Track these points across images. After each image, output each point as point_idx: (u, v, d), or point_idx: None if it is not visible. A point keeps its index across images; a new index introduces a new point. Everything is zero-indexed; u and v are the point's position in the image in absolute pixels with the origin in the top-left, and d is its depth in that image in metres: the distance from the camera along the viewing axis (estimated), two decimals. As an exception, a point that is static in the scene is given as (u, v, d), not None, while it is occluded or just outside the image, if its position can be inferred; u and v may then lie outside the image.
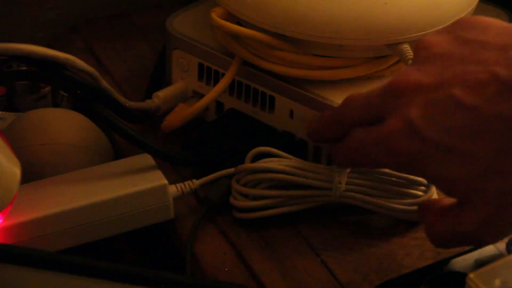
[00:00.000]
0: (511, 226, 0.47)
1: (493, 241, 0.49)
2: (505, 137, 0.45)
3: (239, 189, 0.62)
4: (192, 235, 0.61)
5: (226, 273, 0.59)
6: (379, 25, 0.62)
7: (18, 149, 0.59)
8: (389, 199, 0.61)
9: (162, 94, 0.70)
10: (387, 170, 0.61)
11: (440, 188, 0.50)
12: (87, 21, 0.85)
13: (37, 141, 0.63)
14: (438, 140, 0.47)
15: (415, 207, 0.59)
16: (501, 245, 0.56)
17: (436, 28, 0.62)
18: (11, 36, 0.84)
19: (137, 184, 0.60)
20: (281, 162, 0.61)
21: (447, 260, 0.56)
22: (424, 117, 0.47)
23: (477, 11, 0.68)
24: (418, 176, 0.59)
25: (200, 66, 0.70)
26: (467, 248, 0.56)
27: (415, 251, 0.60)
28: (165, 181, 0.60)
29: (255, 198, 0.61)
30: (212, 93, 0.67)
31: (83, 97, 0.62)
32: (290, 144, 0.66)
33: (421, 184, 0.61)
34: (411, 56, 0.60)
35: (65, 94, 0.73)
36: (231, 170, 0.62)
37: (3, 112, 0.72)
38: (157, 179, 0.61)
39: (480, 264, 0.55)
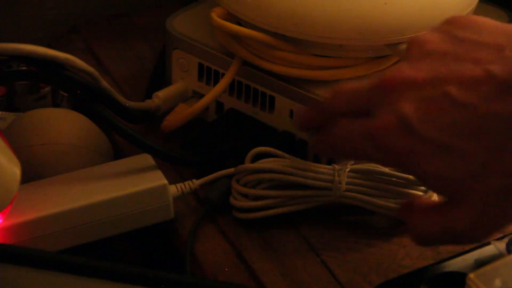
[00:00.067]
0: (502, 224, 0.47)
1: (482, 239, 0.48)
2: (500, 136, 0.45)
3: (239, 189, 0.62)
4: (192, 235, 0.61)
5: (226, 273, 0.59)
6: (379, 25, 0.62)
7: (18, 149, 0.59)
8: (389, 199, 0.61)
9: (162, 94, 0.70)
10: (387, 170, 0.61)
11: (430, 186, 0.50)
12: (87, 21, 0.85)
13: (37, 141, 0.63)
14: (432, 137, 0.46)
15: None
16: (501, 245, 0.56)
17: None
18: (11, 36, 0.84)
19: (137, 184, 0.60)
20: (281, 162, 0.61)
21: (447, 260, 0.56)
22: (418, 114, 0.46)
23: (477, 11, 0.68)
24: (406, 173, 0.57)
25: (200, 66, 0.70)
26: (467, 248, 0.56)
27: (415, 251, 0.60)
28: (165, 181, 0.60)
29: (255, 198, 0.61)
30: (212, 93, 0.68)
31: (83, 97, 0.62)
32: (290, 144, 0.66)
33: (421, 184, 0.61)
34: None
35: (65, 94, 0.73)
36: (231, 170, 0.63)
37: (3, 112, 0.72)
38: (157, 179, 0.61)
39: (480, 264, 0.55)
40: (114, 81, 0.76)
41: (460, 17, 0.50)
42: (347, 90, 0.51)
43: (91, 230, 0.59)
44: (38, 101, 0.74)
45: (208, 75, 0.70)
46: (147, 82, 0.75)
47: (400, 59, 0.63)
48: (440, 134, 0.46)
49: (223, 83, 0.67)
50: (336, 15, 0.62)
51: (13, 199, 0.55)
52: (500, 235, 0.57)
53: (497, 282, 0.45)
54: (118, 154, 0.68)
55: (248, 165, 0.62)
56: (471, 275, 0.45)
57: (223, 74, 0.68)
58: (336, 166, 0.61)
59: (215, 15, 0.66)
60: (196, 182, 0.63)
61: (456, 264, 0.55)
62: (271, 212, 0.61)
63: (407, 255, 0.60)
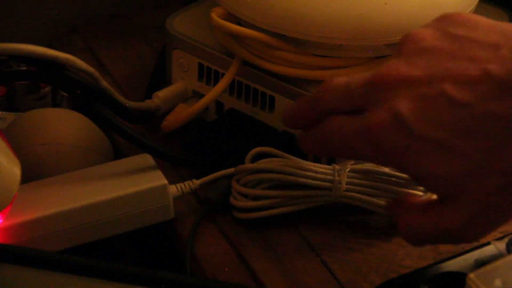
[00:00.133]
0: (495, 225, 0.46)
1: (475, 239, 0.48)
2: (497, 136, 0.44)
3: (239, 189, 0.62)
4: (192, 235, 0.61)
5: (226, 273, 0.59)
6: (379, 25, 0.62)
7: (18, 149, 0.59)
8: (389, 199, 0.61)
9: (162, 94, 0.70)
10: (387, 170, 0.61)
11: (424, 184, 0.48)
12: (87, 21, 0.85)
13: (37, 141, 0.63)
14: (428, 136, 0.45)
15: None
16: (501, 245, 0.56)
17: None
18: (11, 36, 0.84)
19: (137, 184, 0.60)
20: (281, 162, 0.61)
21: (447, 260, 0.56)
22: (414, 111, 0.45)
23: (477, 11, 0.68)
24: (399, 171, 0.56)
25: (200, 66, 0.70)
26: (467, 248, 0.56)
27: (415, 251, 0.60)
28: (165, 181, 0.60)
29: (255, 198, 0.61)
30: (212, 93, 0.68)
31: (83, 97, 0.62)
32: (290, 144, 0.66)
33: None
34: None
35: (65, 94, 0.73)
36: (231, 170, 0.63)
37: (3, 112, 0.72)
38: (157, 179, 0.61)
39: (480, 264, 0.55)
40: (114, 81, 0.76)
41: (454, 14, 0.49)
42: (338, 85, 0.50)
43: (91, 230, 0.59)
44: (38, 101, 0.74)
45: (208, 75, 0.70)
46: (147, 82, 0.75)
47: (393, 55, 0.62)
48: (436, 133, 0.45)
49: (223, 83, 0.67)
50: (336, 15, 0.62)
51: (13, 199, 0.55)
52: (500, 235, 0.57)
53: (497, 282, 0.45)
54: (118, 154, 0.68)
55: (248, 165, 0.62)
56: (471, 275, 0.45)
57: (223, 74, 0.68)
58: (336, 166, 0.61)
59: (215, 15, 0.66)
60: (196, 182, 0.63)
61: (456, 264, 0.55)
62: (271, 212, 0.61)
63: (407, 255, 0.60)
